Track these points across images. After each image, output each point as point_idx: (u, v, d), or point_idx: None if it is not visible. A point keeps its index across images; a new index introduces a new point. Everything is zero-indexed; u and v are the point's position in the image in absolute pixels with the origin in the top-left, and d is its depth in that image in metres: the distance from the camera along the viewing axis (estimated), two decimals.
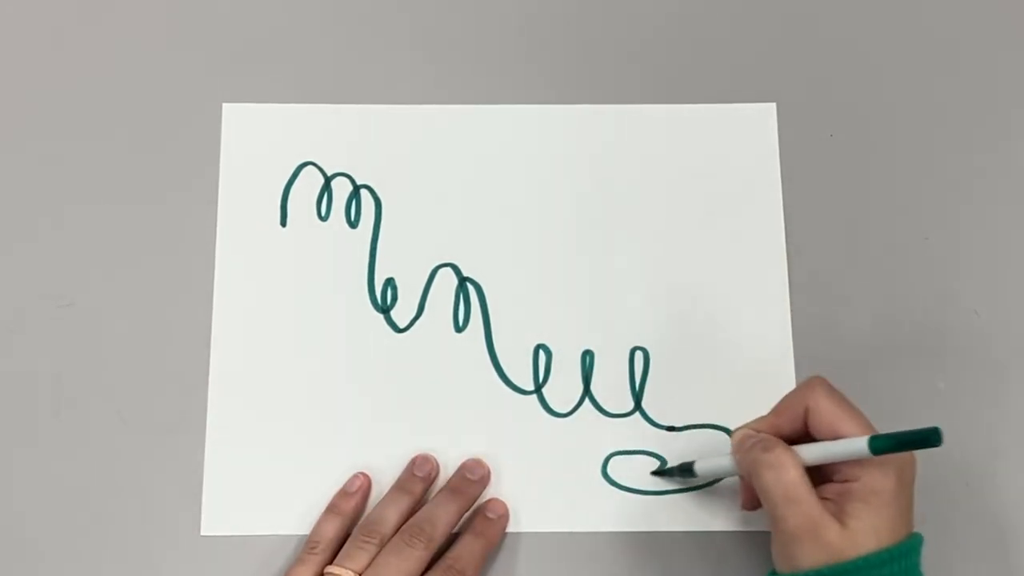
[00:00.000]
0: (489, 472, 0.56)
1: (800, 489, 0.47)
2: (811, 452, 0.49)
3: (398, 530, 0.53)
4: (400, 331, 0.59)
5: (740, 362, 0.58)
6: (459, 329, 0.59)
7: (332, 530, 0.54)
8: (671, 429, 0.58)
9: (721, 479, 0.56)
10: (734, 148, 0.61)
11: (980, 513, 0.57)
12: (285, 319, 0.59)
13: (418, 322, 0.59)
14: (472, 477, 0.55)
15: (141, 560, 0.56)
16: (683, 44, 0.63)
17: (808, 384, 0.51)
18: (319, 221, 0.60)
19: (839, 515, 0.47)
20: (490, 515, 0.55)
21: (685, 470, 0.55)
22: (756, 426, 0.51)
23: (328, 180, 0.61)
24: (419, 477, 0.55)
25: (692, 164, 0.61)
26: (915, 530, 0.49)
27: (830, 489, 0.49)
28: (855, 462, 0.48)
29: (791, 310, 0.59)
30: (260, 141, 0.61)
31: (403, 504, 0.54)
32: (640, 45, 0.63)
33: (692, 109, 0.62)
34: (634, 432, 0.58)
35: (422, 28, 0.64)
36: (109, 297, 0.59)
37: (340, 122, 0.62)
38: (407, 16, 0.64)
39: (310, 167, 0.61)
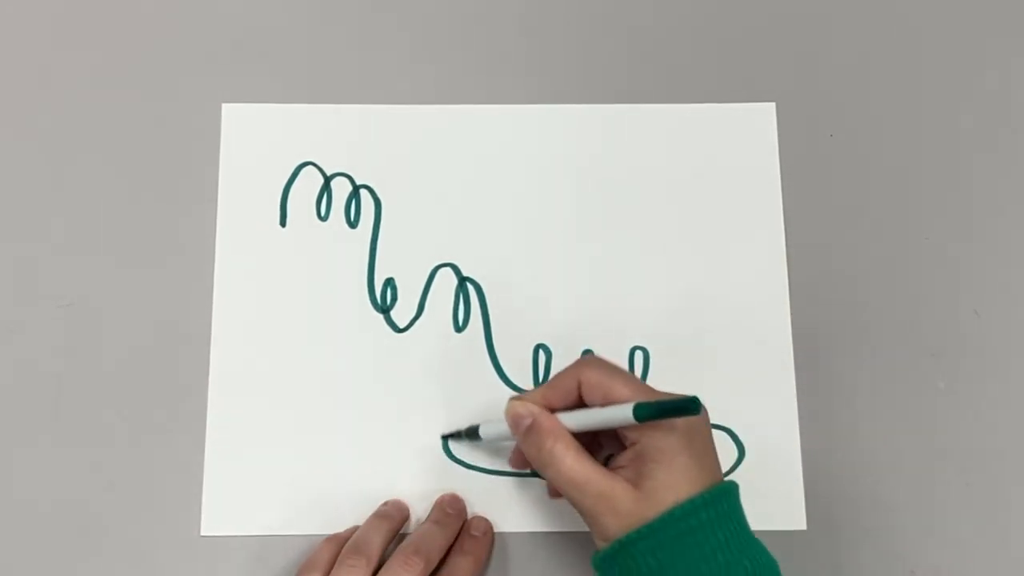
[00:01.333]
0: (465, 508, 0.56)
1: (580, 473, 0.48)
2: (579, 419, 0.50)
3: (383, 554, 0.52)
4: (400, 331, 0.59)
5: (740, 362, 0.58)
6: (459, 329, 0.59)
7: (327, 554, 0.53)
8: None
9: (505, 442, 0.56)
10: (734, 148, 0.61)
11: (980, 513, 0.57)
12: (285, 319, 0.59)
13: (418, 322, 0.59)
14: (451, 511, 0.55)
15: (141, 560, 0.56)
16: (683, 44, 0.63)
17: (579, 360, 0.52)
18: (319, 221, 0.60)
19: (635, 480, 0.48)
20: (475, 533, 0.55)
21: (471, 433, 0.56)
22: (528, 399, 0.51)
23: (328, 180, 0.61)
24: (396, 509, 0.55)
25: (692, 164, 0.61)
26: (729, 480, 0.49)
27: (624, 456, 0.49)
28: (638, 427, 0.48)
29: (791, 310, 0.59)
30: (260, 141, 0.61)
31: (385, 529, 0.54)
32: (640, 45, 0.63)
33: (692, 109, 0.62)
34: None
35: (422, 28, 0.64)
36: (109, 297, 0.59)
37: (340, 122, 0.62)
38: (407, 16, 0.64)
39: (310, 167, 0.61)
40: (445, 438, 0.58)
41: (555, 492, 0.54)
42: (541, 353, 0.59)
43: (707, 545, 0.47)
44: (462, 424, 0.57)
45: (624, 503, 0.47)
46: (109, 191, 0.60)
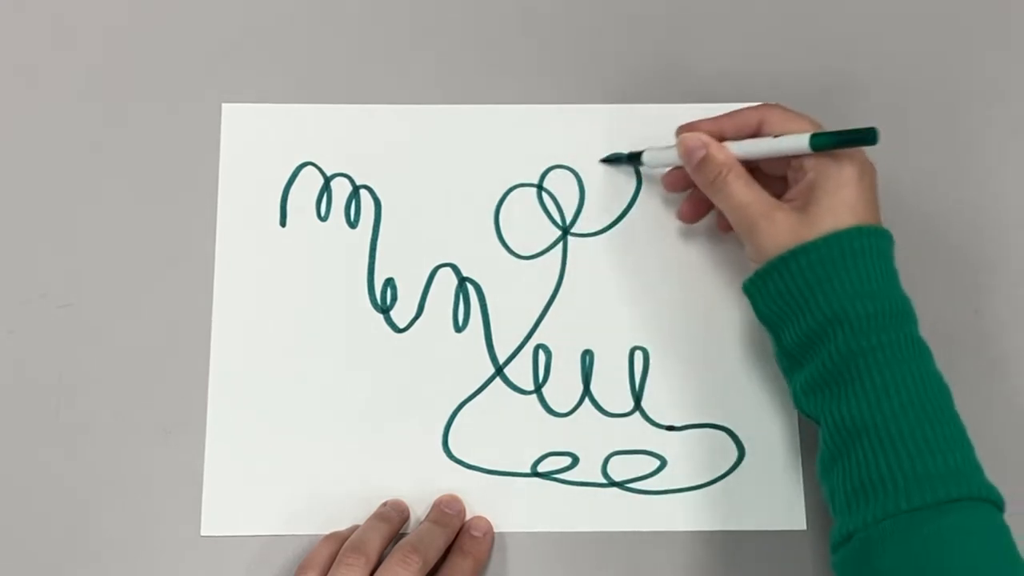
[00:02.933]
0: (464, 509, 0.56)
1: (748, 195, 0.52)
2: (751, 147, 0.53)
3: (381, 553, 0.52)
4: (400, 331, 0.59)
5: (740, 362, 0.58)
6: (459, 329, 0.59)
7: (326, 552, 0.53)
8: (671, 428, 0.58)
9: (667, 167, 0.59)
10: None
11: None
12: (285, 319, 0.59)
13: (418, 322, 0.59)
14: (450, 511, 0.56)
15: (141, 560, 0.56)
16: (683, 44, 0.63)
17: (765, 104, 0.55)
18: (319, 221, 0.60)
19: (801, 207, 0.51)
20: (475, 533, 0.55)
21: (634, 157, 0.59)
22: (701, 127, 0.55)
23: (328, 180, 0.61)
24: (395, 511, 0.55)
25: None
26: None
27: (793, 191, 0.53)
28: (813, 161, 0.51)
29: None
30: (260, 141, 0.61)
31: (384, 530, 0.54)
32: (640, 45, 0.63)
33: (690, 108, 0.62)
34: (634, 432, 0.58)
35: (422, 28, 0.64)
36: (109, 297, 0.59)
37: (340, 122, 0.62)
38: (407, 16, 0.64)
39: (310, 167, 0.61)
40: (603, 161, 0.60)
41: (691, 215, 0.59)
42: (541, 353, 0.59)
43: (863, 270, 0.49)
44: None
45: (786, 222, 0.51)
46: (109, 191, 0.60)
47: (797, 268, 0.50)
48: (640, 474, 0.57)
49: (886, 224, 0.60)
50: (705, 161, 0.53)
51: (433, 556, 0.53)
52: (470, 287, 0.60)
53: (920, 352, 0.50)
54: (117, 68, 0.62)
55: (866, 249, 0.50)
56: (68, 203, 0.60)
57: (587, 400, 0.58)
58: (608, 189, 0.61)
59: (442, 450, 0.57)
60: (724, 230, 0.58)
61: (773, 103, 0.55)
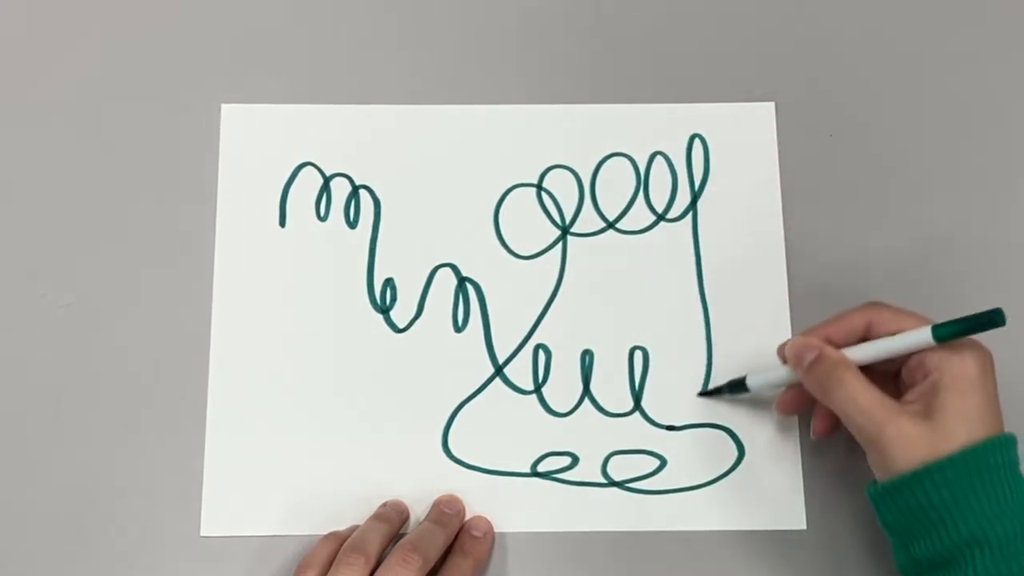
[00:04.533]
0: (464, 509, 0.56)
1: (870, 399, 0.49)
2: (867, 350, 0.50)
3: (381, 553, 0.52)
4: (399, 331, 0.59)
5: (740, 362, 0.58)
6: (458, 329, 0.59)
7: (325, 552, 0.53)
8: (671, 428, 0.58)
9: (771, 393, 0.56)
10: (733, 148, 0.61)
11: None
12: (284, 320, 0.59)
13: (417, 322, 0.59)
14: (450, 511, 0.55)
15: (141, 560, 0.56)
16: (682, 44, 0.63)
17: (868, 303, 0.52)
18: (318, 221, 0.60)
19: (925, 412, 0.48)
20: (475, 533, 0.55)
21: (736, 386, 0.56)
22: (810, 333, 0.52)
23: (327, 180, 0.61)
24: (395, 511, 0.55)
25: (691, 163, 0.61)
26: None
27: (913, 393, 0.49)
28: (932, 357, 0.49)
29: (790, 309, 0.59)
30: (259, 142, 0.61)
31: (384, 530, 0.54)
32: (639, 45, 0.63)
33: (691, 108, 0.62)
34: (634, 431, 0.58)
35: (422, 28, 0.64)
36: (109, 297, 0.59)
37: (339, 122, 0.62)
38: (407, 16, 0.64)
39: (309, 167, 0.61)
40: (703, 394, 0.58)
41: (824, 430, 0.54)
42: (541, 353, 0.59)
43: (1000, 486, 0.46)
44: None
45: (915, 432, 0.47)
46: (109, 191, 0.60)
47: (932, 486, 0.46)
48: (640, 474, 0.57)
49: (885, 221, 0.60)
50: (818, 361, 0.50)
51: (433, 556, 0.52)
52: (470, 287, 0.60)
53: None
54: (117, 68, 0.62)
55: (1002, 464, 0.47)
56: (68, 203, 0.60)
57: (587, 400, 0.58)
58: (608, 189, 0.61)
59: (442, 450, 0.57)
60: (819, 435, 0.55)
61: (877, 301, 0.52)
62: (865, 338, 0.51)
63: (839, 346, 0.51)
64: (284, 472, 0.57)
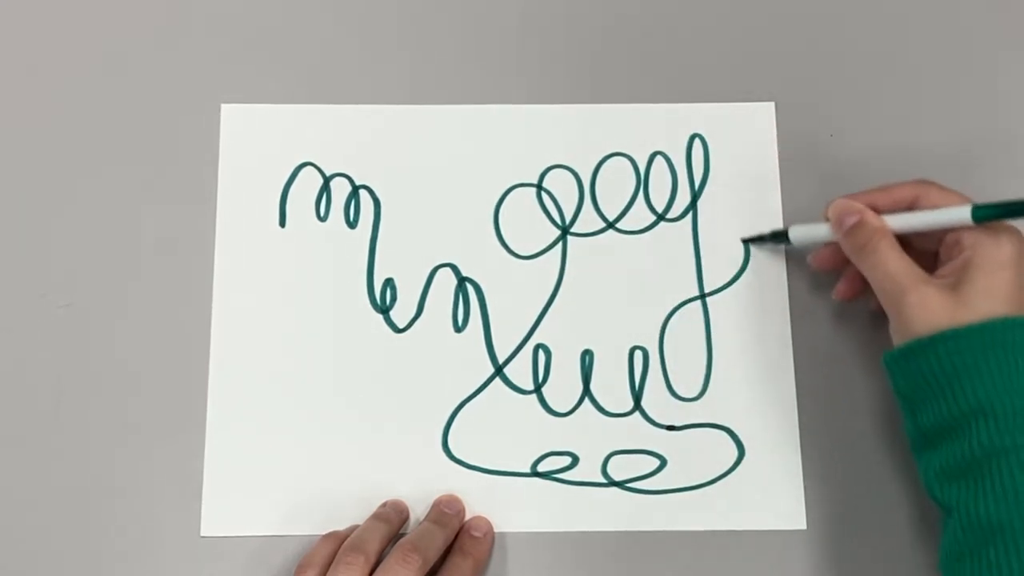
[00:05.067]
0: (464, 509, 0.56)
1: (901, 266, 0.50)
2: (908, 220, 0.51)
3: (381, 553, 0.52)
4: (399, 331, 0.59)
5: (740, 362, 0.58)
6: (458, 329, 0.59)
7: (325, 551, 0.53)
8: (671, 428, 0.58)
9: (813, 246, 0.57)
10: (733, 148, 0.61)
11: None
12: (284, 320, 0.59)
13: (417, 322, 0.59)
14: (450, 511, 0.55)
15: (141, 560, 0.56)
16: (682, 44, 0.63)
17: (918, 179, 0.53)
18: (318, 221, 0.60)
19: (954, 285, 0.49)
20: (475, 533, 0.55)
21: (779, 236, 0.58)
22: (853, 198, 0.53)
23: (327, 180, 0.61)
24: (394, 511, 0.55)
25: (691, 163, 0.61)
26: None
27: (946, 268, 0.51)
28: (968, 236, 0.50)
29: (790, 309, 0.59)
30: (259, 142, 0.61)
31: (383, 530, 0.54)
32: (639, 44, 0.63)
33: (691, 108, 0.62)
34: (634, 431, 0.58)
35: (421, 28, 0.63)
36: (109, 297, 0.59)
37: (339, 122, 0.62)
38: (406, 16, 0.64)
39: (309, 167, 0.61)
40: (746, 241, 0.59)
41: (848, 291, 0.56)
42: (541, 353, 0.59)
43: (1012, 364, 0.47)
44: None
45: (938, 300, 0.48)
46: (109, 191, 0.60)
47: (945, 352, 0.48)
48: (640, 474, 0.57)
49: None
50: (858, 226, 0.52)
51: (433, 555, 0.52)
52: (470, 287, 0.60)
53: None
54: (117, 68, 0.62)
55: (1019, 344, 0.47)
56: (68, 203, 0.60)
57: (587, 400, 0.58)
58: (608, 189, 0.61)
59: (442, 450, 0.57)
60: (843, 295, 0.57)
61: (928, 180, 0.53)
62: (910, 211, 0.52)
63: (882, 213, 0.52)
64: (284, 472, 0.57)
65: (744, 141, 0.61)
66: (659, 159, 0.61)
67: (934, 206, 0.52)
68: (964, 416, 0.47)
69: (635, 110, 0.62)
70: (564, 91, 0.62)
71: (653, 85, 0.62)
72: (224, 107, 0.62)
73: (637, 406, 0.58)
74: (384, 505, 0.56)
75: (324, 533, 0.55)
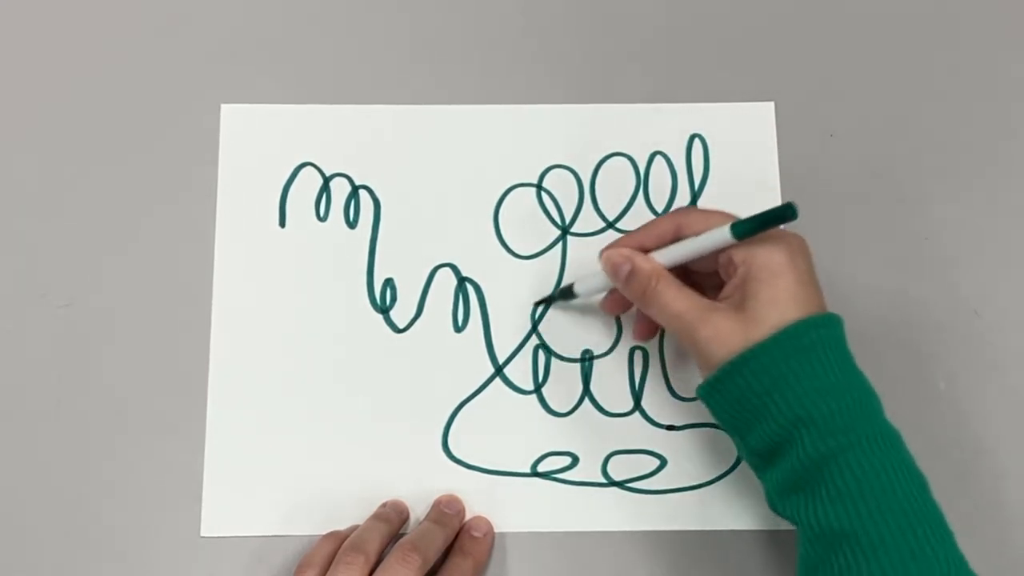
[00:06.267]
0: (464, 509, 0.56)
1: (683, 303, 0.50)
2: (675, 252, 0.51)
3: (381, 553, 0.52)
4: (399, 331, 0.59)
5: None
6: (458, 329, 0.59)
7: (325, 551, 0.53)
8: (671, 428, 0.58)
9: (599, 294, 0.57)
10: (733, 148, 0.61)
11: (980, 514, 0.56)
12: (284, 320, 0.59)
13: (417, 322, 0.59)
14: (449, 511, 0.55)
15: (141, 560, 0.56)
16: (682, 44, 0.63)
17: (677, 209, 0.54)
18: (318, 221, 0.60)
19: (739, 304, 0.49)
20: (475, 533, 0.55)
21: (566, 292, 0.58)
22: (621, 244, 0.53)
23: (327, 180, 0.61)
24: (394, 511, 0.55)
25: (690, 163, 0.61)
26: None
27: (727, 289, 0.50)
28: (738, 252, 0.49)
29: None
30: (258, 142, 0.61)
31: (383, 530, 0.54)
32: (639, 45, 0.63)
33: (691, 108, 0.62)
34: (634, 431, 0.58)
35: (421, 28, 0.63)
36: (109, 297, 0.59)
37: (339, 122, 0.62)
38: (406, 16, 0.64)
39: (309, 168, 0.61)
40: (537, 304, 0.59)
41: (645, 332, 0.57)
42: (541, 353, 0.59)
43: (818, 365, 0.47)
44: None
45: (728, 325, 0.48)
46: (109, 191, 0.60)
47: (751, 372, 0.47)
48: (640, 474, 0.57)
49: (885, 221, 0.60)
50: (632, 275, 0.52)
51: (433, 555, 0.53)
52: (469, 287, 0.60)
53: (890, 444, 0.47)
54: (117, 68, 0.62)
55: (818, 342, 0.47)
56: (68, 203, 0.60)
57: (587, 400, 0.58)
58: (607, 189, 0.61)
59: (442, 450, 0.57)
60: (640, 336, 0.58)
61: (686, 207, 0.54)
62: (676, 240, 0.52)
63: (650, 250, 0.52)
64: (284, 472, 0.57)
65: (744, 141, 0.61)
66: (659, 159, 0.61)
67: (696, 232, 0.51)
68: (786, 430, 0.47)
69: (635, 110, 0.62)
70: (564, 91, 0.62)
71: (653, 85, 0.62)
72: (224, 107, 0.62)
73: (637, 406, 0.58)
74: (384, 505, 0.56)
75: (324, 533, 0.55)
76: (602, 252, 0.54)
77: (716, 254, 0.51)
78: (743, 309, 0.48)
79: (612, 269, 0.53)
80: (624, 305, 0.56)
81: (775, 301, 0.48)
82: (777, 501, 0.49)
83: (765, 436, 0.48)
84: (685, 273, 0.52)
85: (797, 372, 0.47)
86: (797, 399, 0.46)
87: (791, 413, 0.47)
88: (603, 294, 0.57)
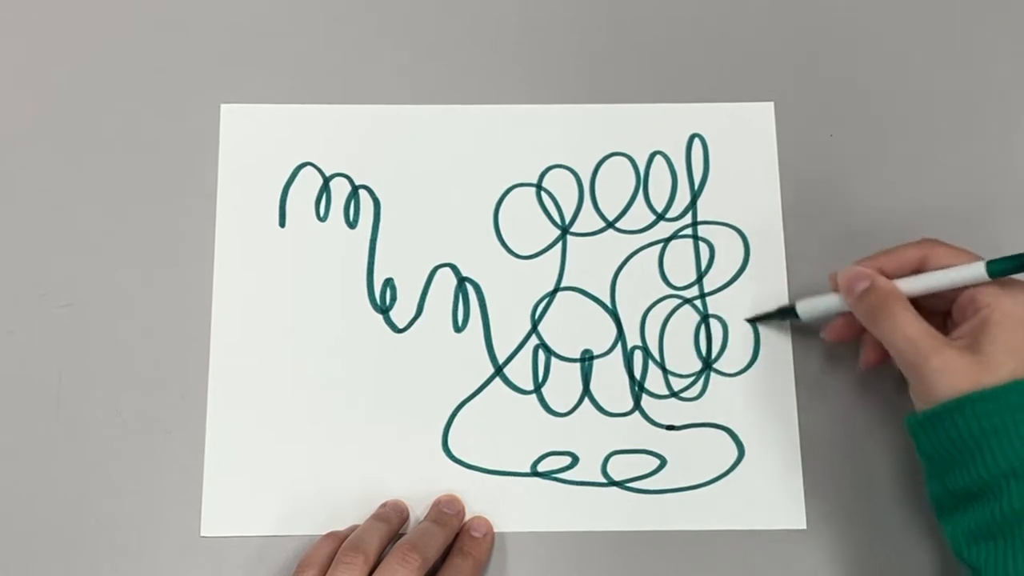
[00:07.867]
0: (464, 509, 0.56)
1: (918, 330, 0.49)
2: (919, 282, 0.50)
3: (380, 553, 0.52)
4: (399, 331, 0.59)
5: (740, 362, 0.58)
6: (458, 329, 0.59)
7: (325, 551, 0.53)
8: (671, 428, 0.58)
9: (822, 319, 0.56)
10: (732, 148, 0.61)
11: None
12: (284, 320, 0.59)
13: (417, 322, 0.59)
14: (449, 511, 0.55)
15: (141, 560, 0.56)
16: (681, 44, 0.63)
17: (924, 239, 0.52)
18: (318, 222, 0.60)
19: (973, 346, 0.48)
20: (475, 534, 0.55)
21: (786, 312, 0.56)
22: (860, 264, 0.52)
23: (327, 180, 0.61)
24: (394, 511, 0.55)
25: (690, 163, 0.61)
26: None
27: (962, 329, 0.49)
28: (983, 293, 0.49)
29: None
30: (258, 142, 0.61)
31: (383, 530, 0.54)
32: (639, 45, 0.63)
33: (691, 108, 0.62)
34: (634, 431, 0.58)
35: (421, 28, 0.63)
36: (109, 297, 0.59)
37: (338, 122, 0.62)
38: (406, 16, 0.64)
39: (309, 167, 0.61)
40: (751, 320, 0.58)
41: (872, 359, 0.54)
42: (541, 353, 0.59)
43: None
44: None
45: (960, 363, 0.47)
46: (109, 191, 0.60)
47: (973, 415, 0.46)
48: (640, 474, 0.57)
49: (885, 222, 0.60)
50: (870, 291, 0.50)
51: (432, 555, 0.52)
52: (469, 287, 0.60)
53: None
54: (117, 69, 0.62)
55: None
56: (68, 203, 0.60)
57: (587, 400, 0.58)
58: (607, 188, 0.61)
59: (442, 450, 0.57)
60: (867, 364, 0.55)
61: (933, 238, 0.52)
62: (918, 272, 0.51)
63: (891, 277, 0.51)
64: (284, 472, 0.57)
65: (744, 141, 0.61)
66: (659, 159, 0.61)
67: (943, 266, 0.51)
68: (995, 478, 0.46)
69: (635, 110, 0.62)
70: (564, 91, 0.62)
71: (653, 85, 0.62)
72: (224, 107, 0.62)
73: (637, 406, 0.58)
74: (384, 505, 0.56)
75: (324, 533, 0.55)
76: (837, 272, 0.53)
77: (956, 292, 0.50)
78: (978, 351, 0.47)
79: (847, 283, 0.52)
80: (850, 332, 0.54)
81: (1013, 351, 0.47)
82: (964, 546, 0.48)
83: (969, 479, 0.47)
84: (915, 307, 0.51)
85: (1019, 425, 0.46)
86: (1014, 451, 0.46)
87: (1006, 463, 0.46)
88: (824, 318, 0.55)
